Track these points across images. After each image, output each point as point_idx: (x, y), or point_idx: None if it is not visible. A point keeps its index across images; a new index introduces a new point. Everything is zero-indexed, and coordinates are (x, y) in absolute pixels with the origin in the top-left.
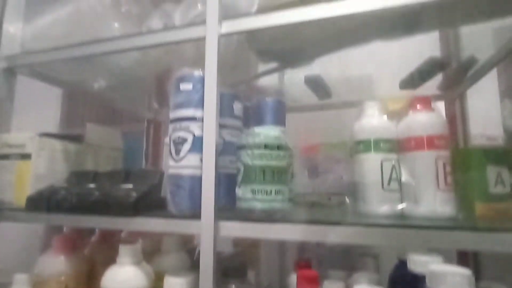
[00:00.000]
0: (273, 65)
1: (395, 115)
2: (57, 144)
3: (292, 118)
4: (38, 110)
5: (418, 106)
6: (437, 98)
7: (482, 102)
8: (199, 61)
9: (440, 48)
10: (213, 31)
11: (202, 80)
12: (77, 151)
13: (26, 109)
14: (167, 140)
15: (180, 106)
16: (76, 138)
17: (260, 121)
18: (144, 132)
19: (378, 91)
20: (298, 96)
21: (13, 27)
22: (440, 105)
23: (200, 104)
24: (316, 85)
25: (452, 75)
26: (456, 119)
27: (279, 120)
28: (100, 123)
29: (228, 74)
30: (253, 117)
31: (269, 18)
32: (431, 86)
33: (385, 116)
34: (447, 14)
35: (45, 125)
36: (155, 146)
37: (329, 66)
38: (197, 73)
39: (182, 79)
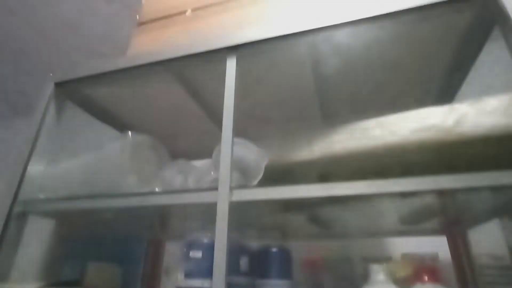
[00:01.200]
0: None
1: (402, 281)
2: None
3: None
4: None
5: (426, 277)
6: (439, 232)
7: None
8: None
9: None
10: (224, 199)
11: (211, 247)
12: None
13: None
14: None
15: (189, 275)
16: (75, 283)
17: (266, 274)
18: (144, 253)
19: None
20: (299, 226)
21: (34, 171)
22: (443, 239)
23: (209, 273)
24: (317, 220)
25: (450, 220)
26: (461, 252)
27: (286, 272)
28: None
29: None
30: (259, 267)
31: (274, 192)
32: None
33: (392, 285)
34: None
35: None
36: (154, 268)
37: None
38: (206, 240)
39: (192, 246)
